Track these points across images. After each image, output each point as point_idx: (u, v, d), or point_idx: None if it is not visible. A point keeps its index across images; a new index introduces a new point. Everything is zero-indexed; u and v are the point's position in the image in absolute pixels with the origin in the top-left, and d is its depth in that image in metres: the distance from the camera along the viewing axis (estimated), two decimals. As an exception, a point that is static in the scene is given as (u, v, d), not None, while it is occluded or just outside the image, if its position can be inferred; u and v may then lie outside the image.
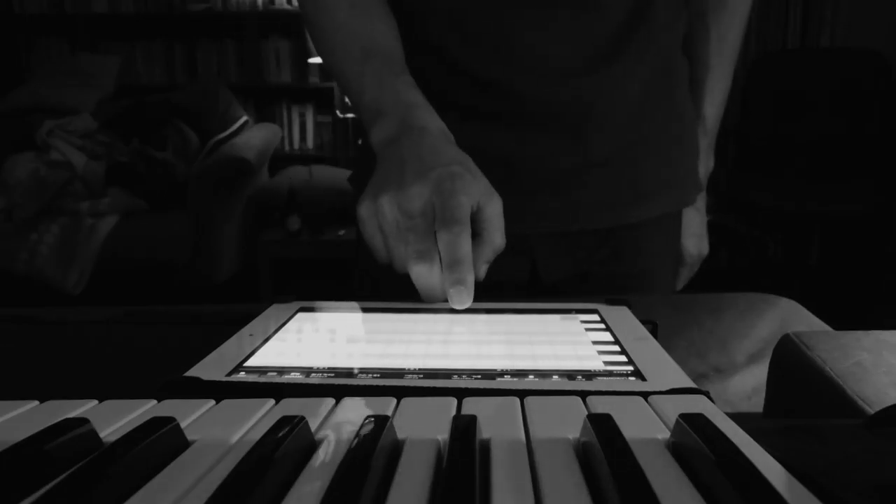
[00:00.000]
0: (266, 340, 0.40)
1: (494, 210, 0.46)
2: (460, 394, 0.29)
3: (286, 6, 3.24)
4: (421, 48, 0.62)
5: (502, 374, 0.34)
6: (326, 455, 0.22)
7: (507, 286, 0.70)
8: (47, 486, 0.20)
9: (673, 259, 0.78)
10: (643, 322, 0.43)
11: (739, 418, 0.25)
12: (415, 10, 0.62)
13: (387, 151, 0.49)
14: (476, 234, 0.46)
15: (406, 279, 0.47)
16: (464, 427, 0.23)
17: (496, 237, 0.47)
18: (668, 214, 0.72)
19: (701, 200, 0.78)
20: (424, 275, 0.45)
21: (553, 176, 0.65)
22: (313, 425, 0.25)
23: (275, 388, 0.32)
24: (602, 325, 0.43)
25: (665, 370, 0.34)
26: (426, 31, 0.62)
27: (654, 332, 0.43)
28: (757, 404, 0.45)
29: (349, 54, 0.56)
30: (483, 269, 0.46)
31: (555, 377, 0.33)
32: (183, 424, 0.25)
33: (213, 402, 0.29)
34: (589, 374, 0.34)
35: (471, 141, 0.61)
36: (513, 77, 0.61)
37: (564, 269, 0.69)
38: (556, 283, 0.70)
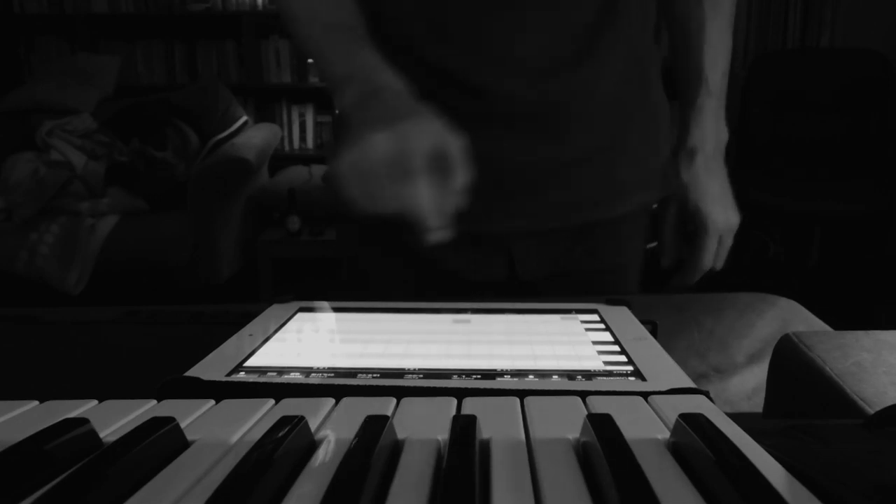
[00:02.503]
0: (266, 340, 0.40)
1: (455, 147, 0.49)
2: (460, 394, 0.29)
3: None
4: (395, 48, 0.63)
5: (502, 374, 0.34)
6: (326, 455, 0.22)
7: (485, 285, 0.70)
8: (47, 486, 0.20)
9: (643, 253, 0.78)
10: (643, 322, 0.44)
11: (739, 418, 0.25)
12: (390, 11, 0.63)
13: (355, 113, 0.53)
14: (443, 171, 0.49)
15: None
16: (464, 427, 0.23)
17: (460, 171, 0.49)
18: (643, 210, 0.73)
19: (714, 163, 0.71)
20: (410, 211, 0.48)
21: (529, 175, 0.66)
22: (313, 425, 0.25)
23: (275, 388, 0.32)
24: (602, 325, 0.43)
25: (665, 370, 0.34)
26: (401, 32, 0.63)
27: (654, 332, 0.43)
28: (757, 404, 0.45)
29: (317, 30, 0.60)
30: (461, 200, 0.49)
31: (555, 377, 0.33)
32: (183, 424, 0.25)
33: (212, 402, 0.29)
34: (589, 374, 0.34)
35: None
36: (486, 77, 0.62)
37: (542, 266, 0.70)
38: (534, 280, 0.70)
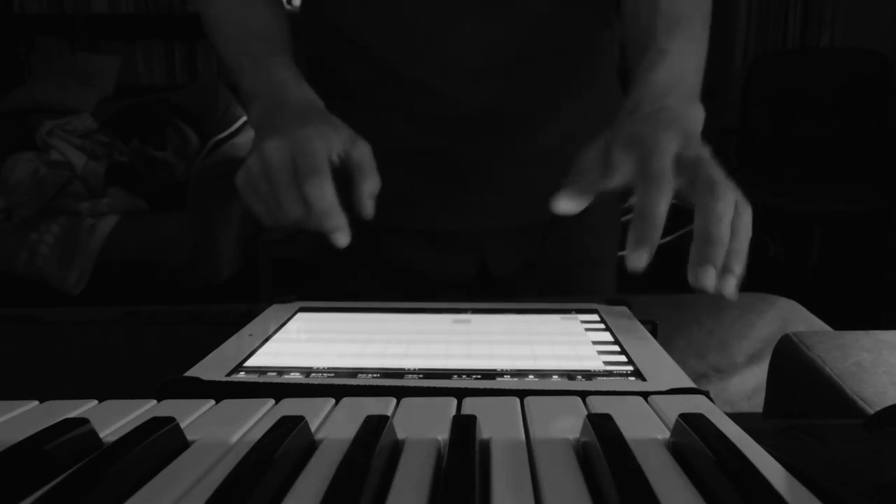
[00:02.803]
0: (266, 340, 0.40)
1: (360, 153, 0.49)
2: (460, 394, 0.29)
3: (286, 7, 3.23)
4: (357, 53, 0.63)
5: (502, 374, 0.34)
6: (326, 455, 0.22)
7: (457, 283, 0.71)
8: (47, 486, 0.20)
9: (616, 247, 0.77)
10: (643, 322, 0.44)
11: (739, 418, 0.25)
12: (347, 19, 0.64)
13: (260, 128, 0.53)
14: (352, 177, 0.49)
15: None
16: (464, 427, 0.23)
17: (368, 176, 0.49)
18: (612, 201, 0.73)
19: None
20: (304, 220, 0.47)
21: (493, 173, 0.67)
22: (313, 425, 0.25)
23: (275, 388, 0.32)
24: (602, 325, 0.43)
25: (665, 370, 0.34)
26: (357, 35, 0.63)
27: (654, 332, 0.43)
28: (757, 404, 0.45)
29: (231, 40, 0.60)
30: (369, 205, 0.48)
31: (555, 377, 0.33)
32: (183, 424, 0.25)
33: (212, 402, 0.29)
34: (589, 374, 0.34)
35: (410, 144, 0.64)
36: (442, 78, 0.62)
37: (513, 262, 0.70)
38: (505, 276, 0.71)
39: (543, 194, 0.68)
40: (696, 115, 0.49)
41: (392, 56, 0.62)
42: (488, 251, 0.70)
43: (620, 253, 0.74)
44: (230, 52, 0.60)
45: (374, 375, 0.34)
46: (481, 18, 0.60)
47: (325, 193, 0.45)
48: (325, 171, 0.46)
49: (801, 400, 0.38)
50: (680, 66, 0.52)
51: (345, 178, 0.48)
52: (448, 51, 0.61)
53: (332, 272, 0.76)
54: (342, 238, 0.46)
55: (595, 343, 0.39)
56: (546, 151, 0.67)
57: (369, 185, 0.49)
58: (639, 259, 0.38)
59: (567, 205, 0.47)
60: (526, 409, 0.27)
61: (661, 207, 0.39)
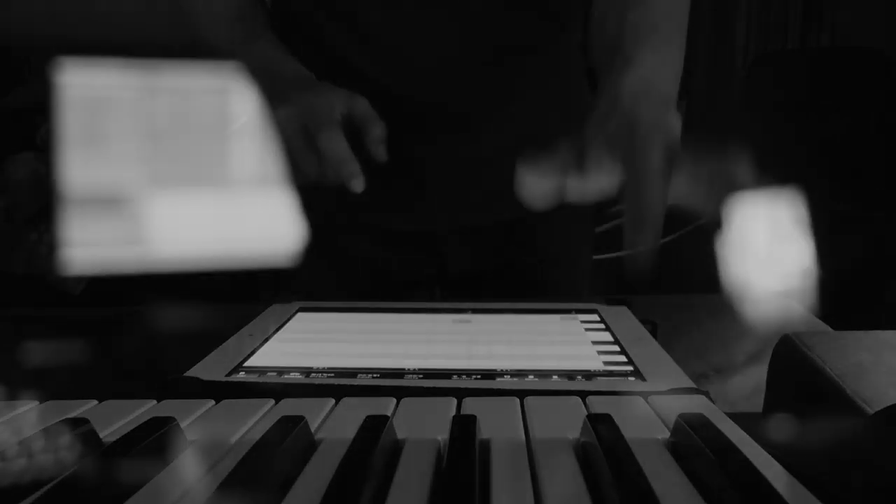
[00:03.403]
0: (266, 340, 0.40)
1: (361, 106, 0.53)
2: (460, 394, 0.29)
3: None
4: (311, 48, 0.64)
5: (502, 374, 0.34)
6: (326, 455, 0.22)
7: (419, 283, 0.71)
8: (47, 486, 0.20)
9: (591, 241, 0.76)
10: (643, 322, 0.44)
11: (739, 418, 0.25)
12: (306, 16, 0.64)
13: (261, 103, 0.55)
14: (358, 130, 0.52)
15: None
16: (464, 427, 0.23)
17: (374, 124, 0.53)
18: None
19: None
20: (321, 175, 0.51)
21: (449, 173, 0.66)
22: (313, 425, 0.25)
23: (275, 388, 0.32)
24: (602, 325, 0.43)
25: (665, 370, 0.34)
26: (316, 33, 0.64)
27: (653, 332, 0.43)
28: (757, 404, 0.45)
29: (221, 29, 0.64)
30: (381, 150, 0.52)
31: (555, 377, 0.33)
32: (183, 424, 0.25)
33: (212, 402, 0.29)
34: (589, 374, 0.34)
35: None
36: (392, 77, 0.62)
37: (474, 262, 0.70)
38: (468, 276, 0.71)
39: (499, 196, 0.67)
40: (673, 123, 0.44)
41: (345, 52, 0.62)
42: (447, 251, 0.70)
43: (599, 257, 0.73)
44: (220, 36, 0.63)
45: (374, 375, 0.34)
46: (428, 16, 0.60)
47: (338, 144, 0.49)
48: (335, 125, 0.50)
49: (801, 400, 0.38)
50: (650, 73, 0.48)
51: (348, 135, 0.51)
52: (398, 49, 0.61)
53: (297, 271, 0.76)
54: (358, 184, 0.49)
55: (595, 343, 0.39)
56: (501, 153, 0.66)
57: (376, 131, 0.52)
58: (643, 241, 0.33)
59: (532, 189, 0.42)
60: (526, 409, 0.27)
61: (655, 193, 0.35)
